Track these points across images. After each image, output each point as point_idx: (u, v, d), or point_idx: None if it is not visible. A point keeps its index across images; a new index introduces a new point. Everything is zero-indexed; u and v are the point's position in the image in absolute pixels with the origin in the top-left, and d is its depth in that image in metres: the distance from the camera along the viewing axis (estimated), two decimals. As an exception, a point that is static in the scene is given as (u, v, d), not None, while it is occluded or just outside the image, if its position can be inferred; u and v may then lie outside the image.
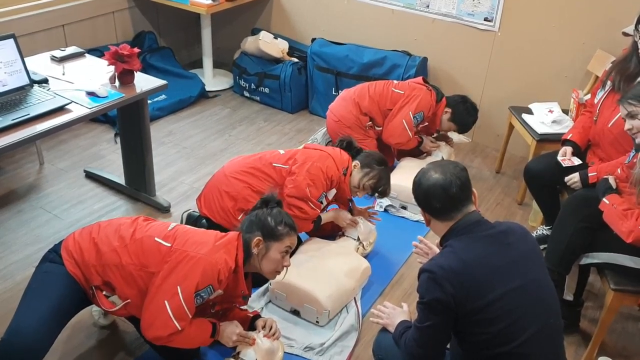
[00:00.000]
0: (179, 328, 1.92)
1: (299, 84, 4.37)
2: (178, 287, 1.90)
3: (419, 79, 3.54)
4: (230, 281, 2.04)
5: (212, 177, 2.78)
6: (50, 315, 1.93)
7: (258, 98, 4.52)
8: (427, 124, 3.55)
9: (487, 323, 1.63)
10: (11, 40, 2.58)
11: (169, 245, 1.98)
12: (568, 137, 2.86)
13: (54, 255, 2.07)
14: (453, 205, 1.74)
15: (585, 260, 2.41)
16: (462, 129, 3.59)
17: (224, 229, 2.57)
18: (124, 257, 1.99)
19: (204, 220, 2.75)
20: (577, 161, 2.76)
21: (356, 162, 2.78)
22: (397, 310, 2.04)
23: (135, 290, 2.01)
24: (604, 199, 2.32)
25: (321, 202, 2.71)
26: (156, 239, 2.00)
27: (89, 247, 2.04)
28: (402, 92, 3.42)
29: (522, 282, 1.66)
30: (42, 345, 1.88)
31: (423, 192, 1.78)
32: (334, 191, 2.78)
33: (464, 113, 3.48)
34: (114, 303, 2.05)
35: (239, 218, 2.60)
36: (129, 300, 2.03)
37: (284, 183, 2.64)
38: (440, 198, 1.74)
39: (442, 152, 3.60)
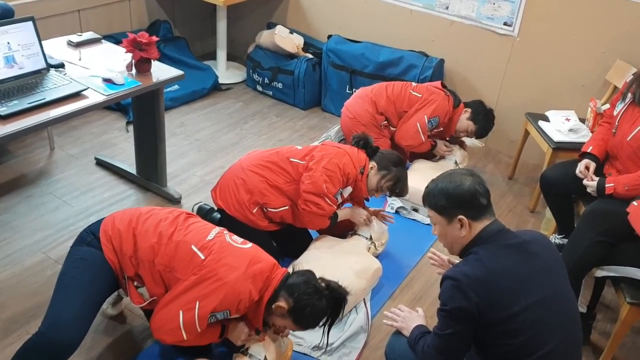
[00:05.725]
0: (185, 338, 1.93)
1: (312, 80, 4.34)
2: (197, 303, 1.89)
3: (438, 83, 3.49)
4: (251, 310, 2.01)
5: (229, 169, 2.75)
6: (88, 309, 1.94)
7: (271, 93, 4.49)
8: (441, 129, 3.52)
9: (510, 334, 1.60)
10: (30, 23, 2.55)
11: (203, 258, 1.94)
12: (588, 150, 2.79)
13: (92, 239, 2.04)
14: (491, 202, 1.76)
15: (601, 273, 2.39)
16: (480, 131, 3.51)
17: (238, 222, 2.58)
18: (157, 255, 1.98)
19: (215, 214, 2.72)
20: (595, 179, 2.67)
21: (373, 164, 2.74)
22: (413, 314, 2.00)
23: (162, 289, 2.00)
24: (633, 202, 2.29)
25: (337, 199, 2.68)
26: (193, 247, 1.97)
27: (128, 237, 2.02)
28: (420, 95, 3.39)
29: (546, 293, 1.64)
30: (78, 340, 1.90)
31: (469, 191, 1.72)
32: (349, 189, 2.74)
33: (483, 114, 3.46)
34: (143, 296, 2.05)
35: (254, 211, 2.59)
36: (155, 298, 2.02)
37: (300, 179, 2.61)
38: (485, 194, 1.74)
39: (455, 156, 3.58)
